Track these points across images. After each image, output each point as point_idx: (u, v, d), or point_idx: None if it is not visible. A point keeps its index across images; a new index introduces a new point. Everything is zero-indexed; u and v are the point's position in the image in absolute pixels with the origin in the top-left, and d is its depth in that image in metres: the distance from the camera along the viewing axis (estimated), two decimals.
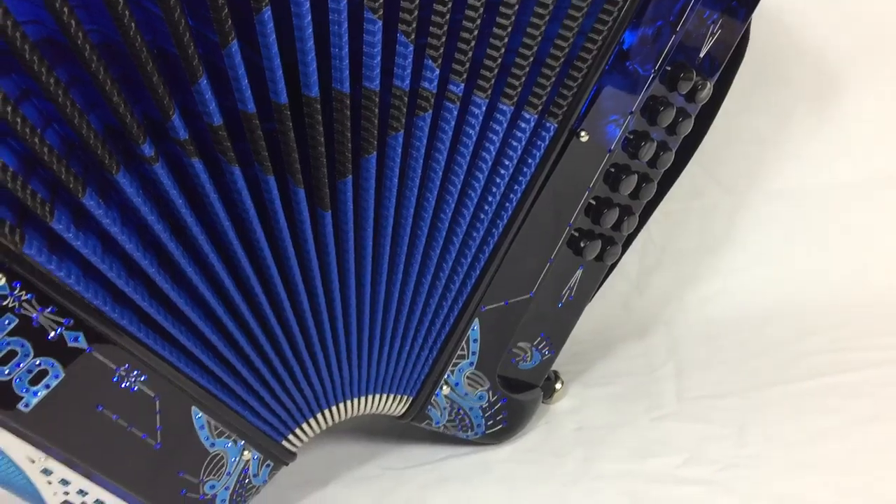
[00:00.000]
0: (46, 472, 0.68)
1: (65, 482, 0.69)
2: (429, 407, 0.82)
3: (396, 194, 0.72)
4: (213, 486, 0.74)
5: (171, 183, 0.63)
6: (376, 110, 0.67)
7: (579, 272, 0.85)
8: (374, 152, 0.69)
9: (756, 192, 1.12)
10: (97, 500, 0.71)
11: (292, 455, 0.78)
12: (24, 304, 0.61)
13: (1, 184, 0.57)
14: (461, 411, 0.84)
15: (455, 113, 0.71)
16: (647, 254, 1.12)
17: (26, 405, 0.64)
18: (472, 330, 0.80)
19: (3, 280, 0.59)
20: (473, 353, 0.82)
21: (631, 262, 1.11)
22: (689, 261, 1.13)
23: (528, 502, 0.78)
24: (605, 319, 1.07)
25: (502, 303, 0.80)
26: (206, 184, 0.64)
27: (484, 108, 0.71)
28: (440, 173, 0.73)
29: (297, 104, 0.65)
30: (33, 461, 0.67)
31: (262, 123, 0.64)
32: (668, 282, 1.12)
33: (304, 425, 0.78)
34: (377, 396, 0.80)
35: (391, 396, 0.81)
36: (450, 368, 0.81)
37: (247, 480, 0.76)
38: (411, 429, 0.91)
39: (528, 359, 0.87)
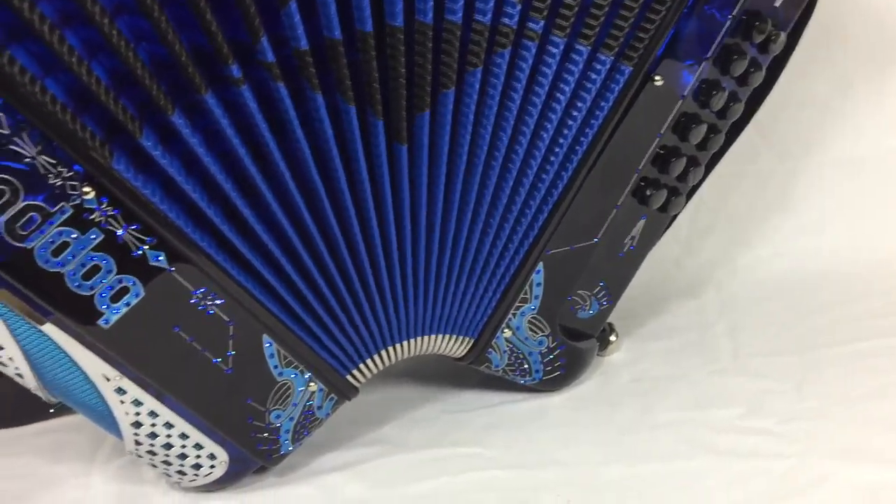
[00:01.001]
0: (120, 391, 0.69)
1: (137, 403, 0.70)
2: (489, 350, 0.83)
3: (471, 132, 0.72)
4: (278, 416, 0.75)
5: (256, 107, 0.63)
6: (457, 44, 0.68)
7: (642, 222, 0.85)
8: (453, 87, 0.69)
9: (811, 158, 1.11)
10: (167, 423, 0.72)
11: (355, 390, 0.79)
12: (111, 220, 0.62)
13: (94, 97, 0.58)
14: (521, 356, 0.84)
15: (533, 51, 0.70)
16: (699, 215, 1.12)
17: (106, 322, 0.64)
18: (537, 273, 0.80)
19: (92, 194, 0.60)
20: (536, 298, 0.82)
21: (682, 222, 1.10)
22: (740, 224, 1.12)
23: (587, 447, 0.79)
24: (655, 278, 1.06)
25: (567, 247, 0.80)
26: (289, 109, 0.64)
27: (561, 48, 0.71)
28: (515, 112, 0.72)
29: (380, 34, 0.65)
30: (108, 379, 0.68)
31: (347, 52, 0.65)
32: (719, 244, 1.12)
33: (369, 361, 0.78)
34: (440, 337, 0.80)
35: (453, 337, 0.81)
36: (512, 311, 0.81)
37: (311, 412, 0.77)
38: (464, 374, 0.92)
39: (587, 307, 0.87)
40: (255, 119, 0.64)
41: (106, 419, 0.71)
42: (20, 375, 0.67)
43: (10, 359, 0.65)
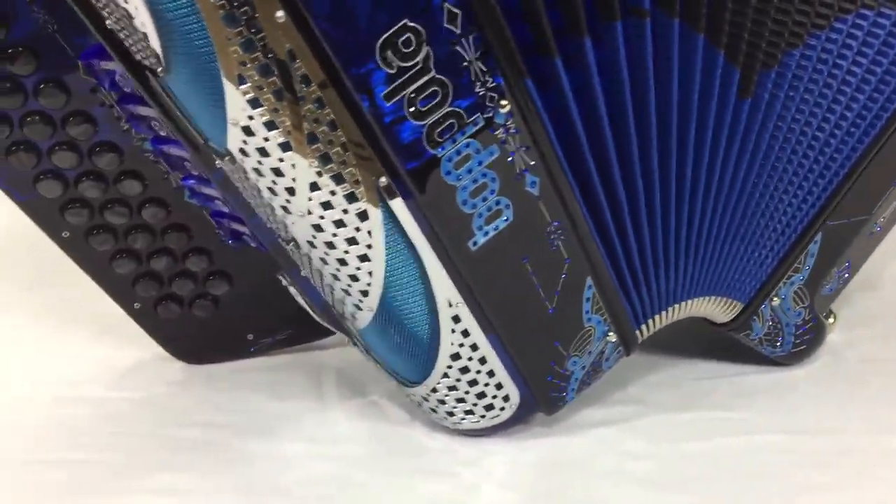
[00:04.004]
0: (456, 319, 0.67)
1: (465, 333, 0.68)
2: (754, 318, 0.83)
3: (800, 93, 0.73)
4: (574, 363, 0.74)
5: (651, 42, 0.63)
6: (817, 2, 0.68)
7: (894, 205, 0.87)
8: (800, 46, 0.70)
9: None
10: (482, 358, 0.70)
11: (636, 345, 0.78)
12: (510, 138, 0.60)
13: (528, 10, 0.57)
14: (779, 326, 0.84)
15: (870, 20, 0.71)
16: None
17: (475, 244, 0.63)
18: (814, 243, 0.81)
19: (507, 108, 0.59)
20: (807, 269, 0.82)
21: None
22: None
23: (858, 417, 0.79)
24: None
25: (846, 220, 0.81)
26: (674, 46, 0.64)
27: (893, 19, 0.72)
28: (839, 79, 0.73)
29: None
30: (450, 305, 0.66)
31: None
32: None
33: (657, 317, 0.77)
34: (715, 299, 0.80)
35: (726, 301, 0.81)
36: (784, 280, 0.82)
37: (599, 364, 0.76)
38: (680, 343, 0.91)
39: (830, 284, 0.88)
40: (645, 53, 0.63)
41: (419, 349, 0.70)
42: (366, 290, 0.65)
43: (369, 272, 0.63)
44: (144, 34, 0.52)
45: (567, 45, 0.60)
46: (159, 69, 0.55)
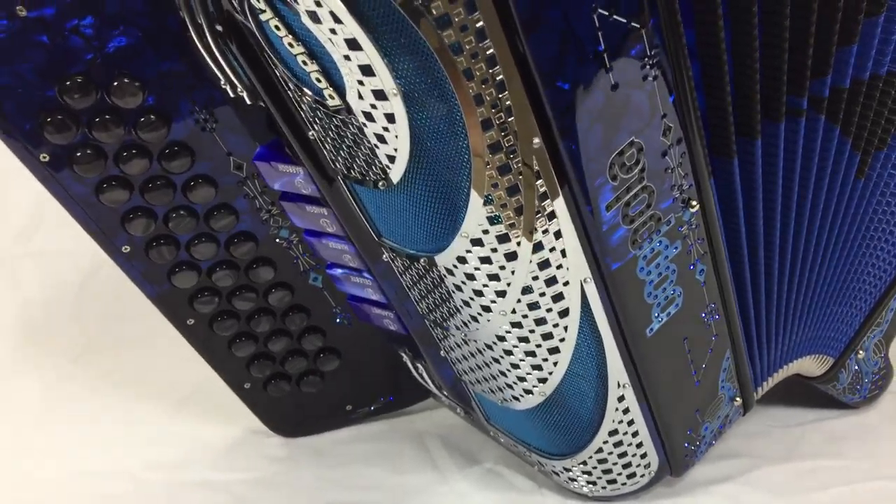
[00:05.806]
0: (621, 398, 0.70)
1: (626, 411, 0.72)
2: (841, 370, 0.89)
3: None
4: (706, 428, 0.78)
5: (803, 136, 0.67)
6: None
7: None
8: None
9: None
10: (635, 432, 0.73)
11: (752, 407, 0.83)
12: (690, 233, 0.64)
13: (719, 115, 0.61)
14: (860, 375, 0.91)
15: None
16: None
17: (651, 331, 0.66)
18: (895, 299, 0.88)
19: (697, 208, 0.62)
20: (886, 322, 0.89)
21: None
22: None
23: None
24: None
25: None
26: (817, 140, 0.69)
27: None
28: None
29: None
30: (619, 385, 0.69)
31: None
32: None
33: (770, 378, 0.83)
34: (813, 356, 0.86)
35: (820, 357, 0.87)
36: (867, 334, 0.89)
37: (723, 426, 0.80)
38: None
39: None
40: (797, 147, 0.68)
41: (577, 427, 0.73)
42: (545, 378, 0.68)
43: (555, 363, 0.66)
44: (391, 157, 0.54)
45: (740, 145, 0.65)
46: (380, 182, 0.57)
